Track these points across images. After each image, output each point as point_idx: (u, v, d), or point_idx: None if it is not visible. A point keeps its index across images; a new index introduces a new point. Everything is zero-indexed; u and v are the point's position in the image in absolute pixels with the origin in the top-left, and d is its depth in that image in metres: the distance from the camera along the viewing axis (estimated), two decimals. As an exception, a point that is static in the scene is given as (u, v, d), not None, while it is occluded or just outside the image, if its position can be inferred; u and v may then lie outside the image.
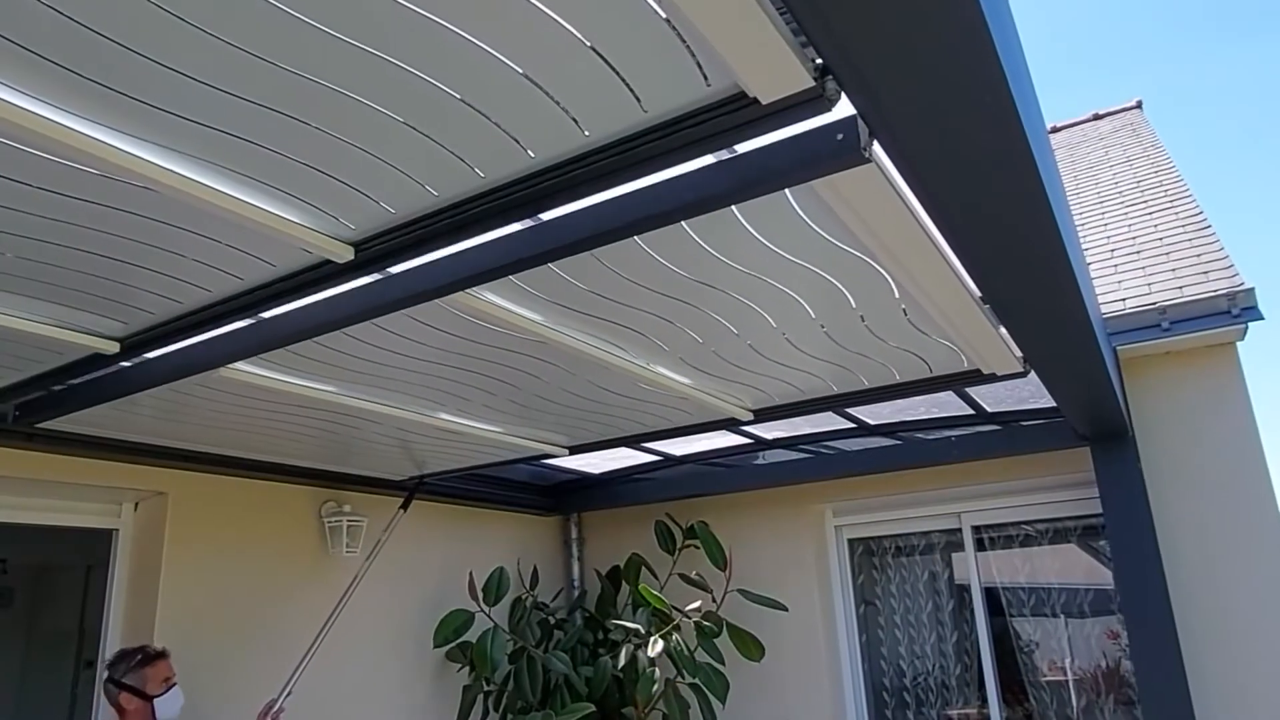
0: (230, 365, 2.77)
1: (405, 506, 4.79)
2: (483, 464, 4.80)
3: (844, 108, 1.52)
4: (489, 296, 2.47)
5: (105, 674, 3.32)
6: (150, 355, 2.72)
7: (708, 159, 1.76)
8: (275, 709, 3.82)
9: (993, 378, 3.35)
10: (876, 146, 1.62)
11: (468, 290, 2.34)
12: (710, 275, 2.42)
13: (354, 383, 3.21)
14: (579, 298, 2.52)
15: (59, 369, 2.80)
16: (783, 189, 1.90)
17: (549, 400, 3.61)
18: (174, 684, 3.35)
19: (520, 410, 3.75)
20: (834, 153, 1.61)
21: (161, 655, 3.36)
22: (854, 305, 2.65)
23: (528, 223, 2.09)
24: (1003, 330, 2.82)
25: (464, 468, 4.87)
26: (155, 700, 3.25)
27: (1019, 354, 3.11)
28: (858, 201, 1.93)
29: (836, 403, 3.75)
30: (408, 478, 4.96)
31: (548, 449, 4.46)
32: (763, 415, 3.91)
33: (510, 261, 2.05)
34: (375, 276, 2.24)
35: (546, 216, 2.04)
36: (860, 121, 1.56)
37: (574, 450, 4.58)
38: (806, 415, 4.04)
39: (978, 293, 2.51)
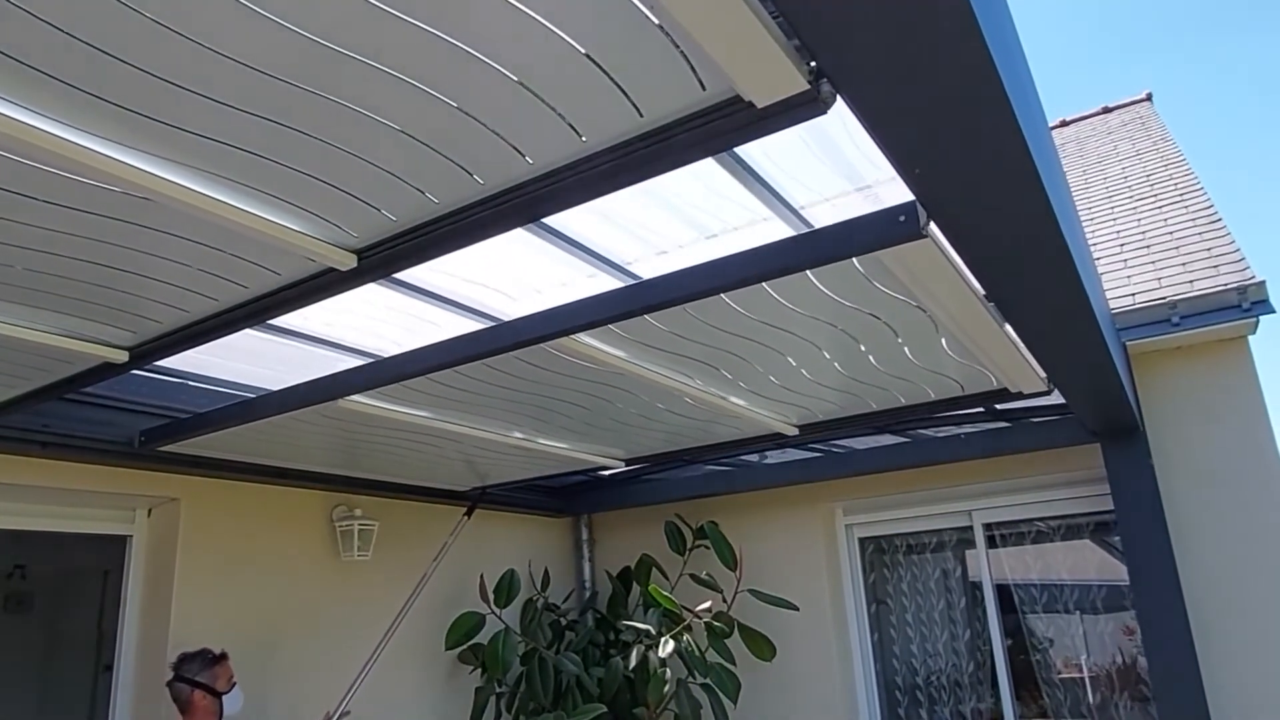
0: (348, 397, 3.09)
1: (469, 514, 5.13)
2: (543, 475, 5.08)
3: (841, 110, 1.53)
4: (584, 338, 2.74)
5: (173, 675, 3.50)
6: (162, 361, 2.78)
7: (785, 230, 2.29)
8: (335, 718, 4.02)
9: (1019, 395, 3.54)
10: (934, 228, 1.94)
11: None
12: (775, 317, 2.69)
13: (445, 408, 3.50)
14: (660, 337, 2.81)
15: (69, 378, 2.83)
16: (850, 258, 2.21)
17: (615, 420, 3.91)
18: (235, 683, 3.59)
19: (588, 429, 4.07)
20: (897, 231, 1.97)
21: (224, 656, 3.61)
22: (899, 338, 2.93)
23: (628, 280, 2.63)
24: (1029, 355, 3.02)
25: (524, 479, 5.18)
26: (224, 697, 3.51)
27: (1042, 374, 3.28)
28: (910, 260, 2.19)
29: (875, 419, 3.95)
30: (471, 488, 5.23)
31: (606, 461, 4.73)
32: (806, 431, 4.13)
33: (618, 314, 2.44)
34: (381, 283, 2.28)
35: (556, 225, 2.07)
36: (919, 206, 1.89)
37: (630, 462, 4.85)
38: (846, 430, 4.28)
39: (1011, 330, 2.74)
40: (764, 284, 2.41)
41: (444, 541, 4.91)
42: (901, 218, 1.96)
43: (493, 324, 3.22)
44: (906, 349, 3.04)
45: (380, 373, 2.92)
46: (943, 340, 2.94)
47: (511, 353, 2.74)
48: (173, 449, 3.76)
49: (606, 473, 5.86)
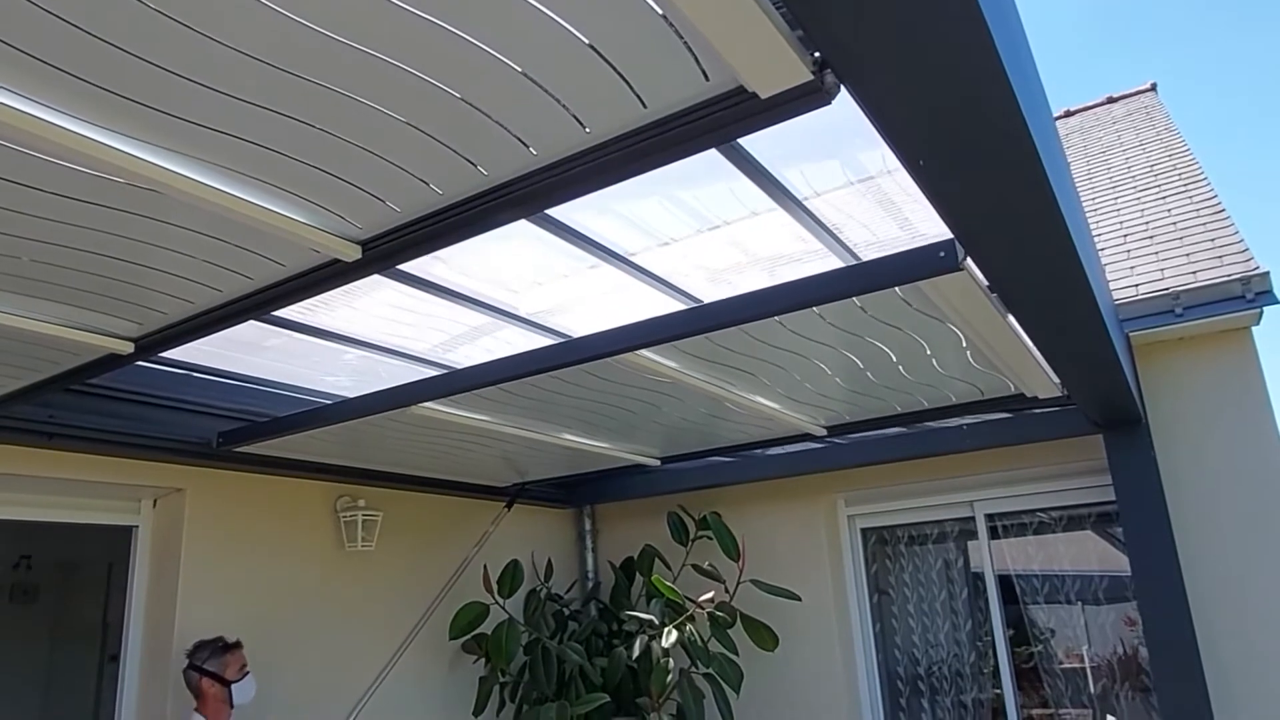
0: (422, 404, 3.26)
1: (509, 506, 5.45)
2: (581, 472, 5.29)
3: (848, 102, 1.52)
4: (643, 351, 2.91)
5: (186, 662, 3.58)
6: (166, 354, 2.79)
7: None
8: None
9: (1034, 400, 3.68)
10: (970, 262, 2.11)
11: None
12: (816, 332, 2.86)
13: (504, 413, 3.70)
14: (710, 350, 3.00)
15: (75, 369, 2.84)
16: (893, 287, 2.39)
17: (657, 423, 4.14)
18: (248, 672, 3.64)
19: (630, 431, 4.29)
20: (938, 265, 2.15)
21: (237, 645, 3.67)
22: (928, 351, 3.11)
23: (688, 303, 2.96)
24: (1046, 365, 3.15)
25: (562, 476, 5.37)
26: (233, 685, 3.56)
27: (1056, 380, 3.39)
28: (944, 287, 2.35)
29: (898, 421, 4.10)
30: (511, 484, 5.44)
31: (643, 460, 4.91)
32: (834, 431, 4.35)
33: (681, 333, 2.67)
34: (388, 278, 2.28)
35: (557, 216, 2.06)
36: (957, 243, 2.09)
37: (665, 461, 5.04)
38: (871, 430, 4.46)
39: (1032, 345, 2.87)
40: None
41: (485, 530, 5.22)
42: (941, 253, 2.14)
43: (498, 311, 3.35)
44: (934, 360, 3.22)
45: (457, 382, 3.12)
46: (968, 353, 3.12)
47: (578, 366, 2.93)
48: (177, 444, 3.78)
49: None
